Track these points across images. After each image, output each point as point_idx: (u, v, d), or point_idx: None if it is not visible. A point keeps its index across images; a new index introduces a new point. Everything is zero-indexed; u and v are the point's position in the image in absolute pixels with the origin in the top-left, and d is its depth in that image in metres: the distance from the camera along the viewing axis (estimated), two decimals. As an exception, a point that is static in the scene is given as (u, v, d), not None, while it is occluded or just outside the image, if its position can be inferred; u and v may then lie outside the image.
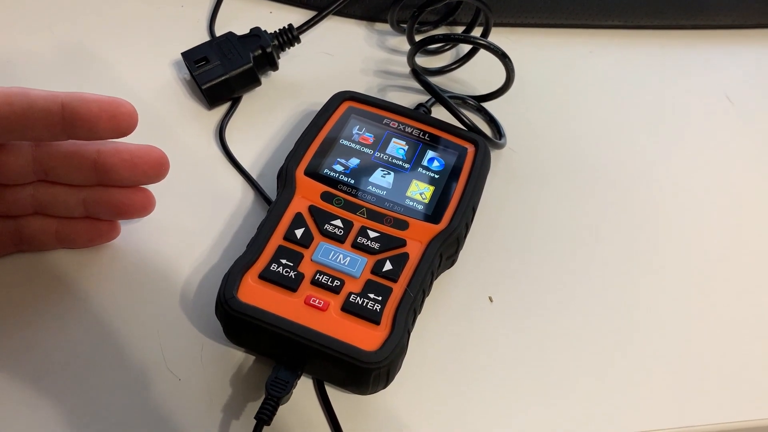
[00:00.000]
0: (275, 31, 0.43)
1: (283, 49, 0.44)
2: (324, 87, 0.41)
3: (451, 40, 0.45)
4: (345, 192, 0.35)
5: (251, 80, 0.42)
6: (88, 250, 0.35)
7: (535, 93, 0.45)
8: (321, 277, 0.32)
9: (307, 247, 0.33)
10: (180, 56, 0.42)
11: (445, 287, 0.36)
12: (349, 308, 0.31)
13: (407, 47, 0.43)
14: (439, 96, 0.40)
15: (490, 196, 0.39)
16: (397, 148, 0.38)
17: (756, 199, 0.42)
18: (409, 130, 0.39)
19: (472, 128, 0.39)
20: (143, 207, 0.34)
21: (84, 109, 0.30)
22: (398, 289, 0.32)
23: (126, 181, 0.33)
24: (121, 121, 0.31)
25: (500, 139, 0.42)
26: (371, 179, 0.36)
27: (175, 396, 0.32)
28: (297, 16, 0.46)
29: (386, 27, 0.47)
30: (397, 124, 0.39)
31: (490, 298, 0.36)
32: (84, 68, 0.43)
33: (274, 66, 0.43)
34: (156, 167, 0.33)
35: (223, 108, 0.42)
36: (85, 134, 0.31)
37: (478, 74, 0.45)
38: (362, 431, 0.32)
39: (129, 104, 0.31)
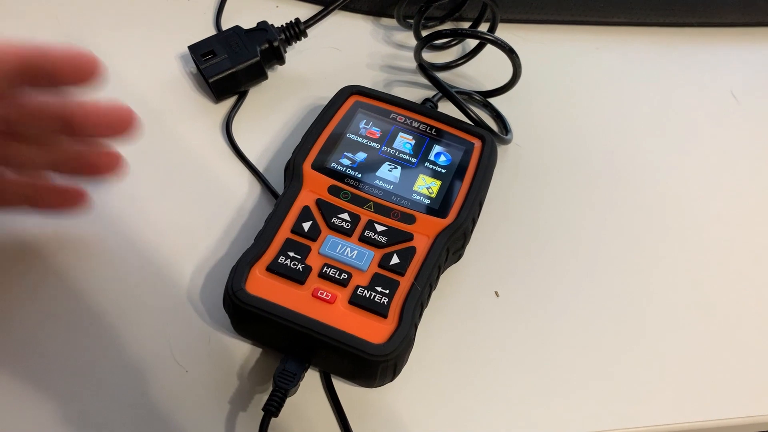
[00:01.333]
0: (282, 25, 0.43)
1: (289, 44, 0.44)
2: (331, 81, 0.41)
3: (458, 36, 0.45)
4: (352, 186, 0.35)
5: (258, 74, 0.42)
6: (96, 243, 0.35)
7: (542, 89, 0.45)
8: (328, 270, 0.32)
9: (314, 240, 0.33)
10: (186, 49, 0.42)
11: (452, 282, 0.36)
12: (356, 301, 0.31)
13: (414, 42, 0.43)
14: (446, 91, 0.40)
15: (497, 191, 0.39)
16: (404, 142, 0.38)
17: (760, 196, 0.42)
18: (415, 124, 0.39)
19: (479, 123, 0.39)
20: (111, 166, 0.34)
21: (46, 61, 0.29)
22: (405, 282, 0.32)
23: (93, 134, 0.32)
24: (85, 69, 0.30)
25: (506, 135, 0.42)
26: (378, 173, 0.36)
27: (183, 388, 0.32)
28: (304, 11, 0.46)
29: (393, 22, 0.47)
30: (403, 118, 0.39)
31: (496, 293, 0.36)
32: (91, 61, 0.43)
33: (281, 60, 0.43)
34: (124, 122, 0.32)
35: (229, 102, 0.42)
36: (48, 84, 0.30)
37: (485, 70, 0.45)
38: (369, 423, 0.32)
39: (91, 54, 0.30)
